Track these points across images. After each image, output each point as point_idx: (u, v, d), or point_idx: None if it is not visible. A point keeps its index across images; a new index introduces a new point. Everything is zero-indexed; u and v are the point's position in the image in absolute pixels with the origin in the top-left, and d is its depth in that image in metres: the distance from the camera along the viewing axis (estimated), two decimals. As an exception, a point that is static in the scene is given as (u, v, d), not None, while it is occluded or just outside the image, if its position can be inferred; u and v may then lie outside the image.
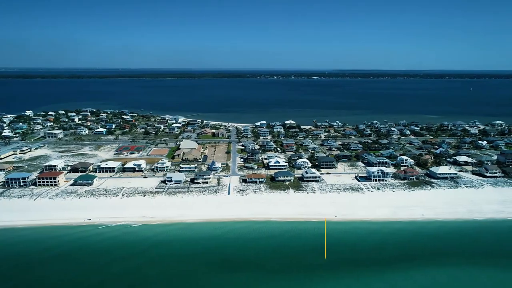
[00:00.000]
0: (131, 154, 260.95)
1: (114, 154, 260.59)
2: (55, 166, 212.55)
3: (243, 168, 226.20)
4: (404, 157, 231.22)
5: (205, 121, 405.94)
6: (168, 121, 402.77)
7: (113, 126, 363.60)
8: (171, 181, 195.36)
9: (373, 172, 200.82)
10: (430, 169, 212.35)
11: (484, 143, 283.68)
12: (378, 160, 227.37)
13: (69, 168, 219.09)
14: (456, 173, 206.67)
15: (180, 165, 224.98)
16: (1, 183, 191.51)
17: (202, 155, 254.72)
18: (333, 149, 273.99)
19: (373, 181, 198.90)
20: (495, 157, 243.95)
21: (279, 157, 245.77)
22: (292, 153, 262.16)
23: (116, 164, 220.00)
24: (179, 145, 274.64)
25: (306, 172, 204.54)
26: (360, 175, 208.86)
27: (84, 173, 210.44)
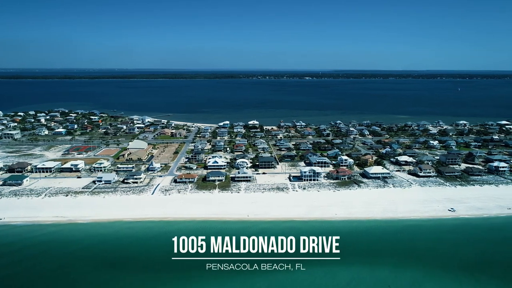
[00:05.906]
0: (79, 154, 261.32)
1: (62, 154, 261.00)
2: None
3: (182, 168, 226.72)
4: (344, 157, 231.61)
5: (170, 121, 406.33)
6: (135, 121, 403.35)
7: (75, 126, 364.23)
8: (101, 181, 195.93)
9: (305, 172, 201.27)
10: (365, 169, 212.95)
11: (436, 143, 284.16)
12: (317, 160, 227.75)
13: (6, 168, 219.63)
14: (388, 173, 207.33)
15: (118, 165, 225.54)
16: None
17: (149, 155, 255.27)
18: (283, 149, 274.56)
19: (304, 180, 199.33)
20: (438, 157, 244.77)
21: (225, 157, 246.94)
22: (240, 153, 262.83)
23: (53, 164, 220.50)
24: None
25: (238, 172, 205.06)
26: (293, 175, 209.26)
27: (20, 173, 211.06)
